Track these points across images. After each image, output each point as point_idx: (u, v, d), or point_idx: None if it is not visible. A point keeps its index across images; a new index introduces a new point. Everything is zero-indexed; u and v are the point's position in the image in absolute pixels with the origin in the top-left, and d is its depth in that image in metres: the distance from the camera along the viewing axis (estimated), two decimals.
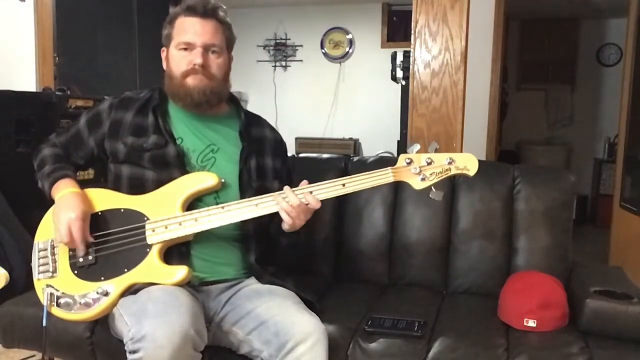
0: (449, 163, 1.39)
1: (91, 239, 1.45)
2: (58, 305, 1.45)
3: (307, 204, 1.40)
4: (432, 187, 1.41)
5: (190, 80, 1.50)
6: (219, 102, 1.59)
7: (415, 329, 1.51)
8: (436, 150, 1.41)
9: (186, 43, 1.50)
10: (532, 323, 1.54)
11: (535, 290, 1.59)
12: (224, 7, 1.57)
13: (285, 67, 6.11)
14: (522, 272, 1.79)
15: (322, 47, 6.00)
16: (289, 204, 1.40)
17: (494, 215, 1.88)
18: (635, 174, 3.42)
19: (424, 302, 1.76)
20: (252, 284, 1.54)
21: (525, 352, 1.43)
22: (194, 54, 1.49)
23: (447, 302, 1.79)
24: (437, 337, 1.51)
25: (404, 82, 4.00)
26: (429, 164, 1.40)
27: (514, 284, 1.67)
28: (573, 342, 1.47)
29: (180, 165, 1.50)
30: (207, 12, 1.52)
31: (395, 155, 4.59)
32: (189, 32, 1.50)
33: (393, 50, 4.67)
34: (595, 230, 5.16)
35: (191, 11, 1.51)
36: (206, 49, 1.50)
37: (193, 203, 1.48)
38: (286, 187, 1.43)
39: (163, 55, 1.60)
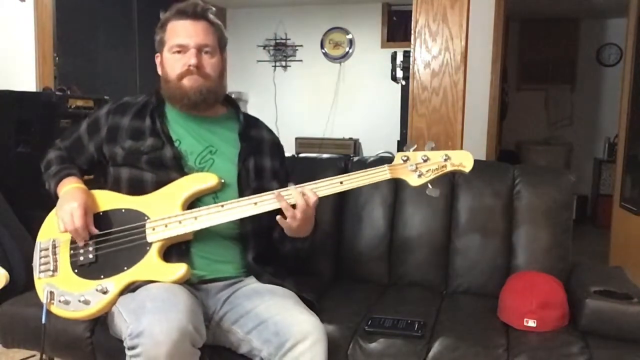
0: (445, 160, 1.42)
1: (94, 229, 1.46)
2: (57, 303, 1.45)
3: (305, 201, 1.40)
4: (429, 184, 1.42)
5: (186, 82, 1.52)
6: (216, 102, 1.60)
7: (415, 329, 1.52)
8: (432, 149, 1.43)
9: (179, 45, 1.51)
10: (532, 323, 1.54)
11: (535, 290, 1.59)
12: (213, 8, 1.58)
13: (285, 67, 6.11)
14: (522, 272, 1.79)
15: (322, 47, 6.00)
16: (289, 202, 1.40)
17: (494, 215, 1.88)
18: (635, 174, 3.42)
19: (424, 302, 1.76)
20: (252, 283, 1.54)
21: (525, 352, 1.43)
22: (187, 55, 1.51)
23: (447, 302, 1.79)
24: (437, 337, 1.51)
25: (404, 82, 4.00)
26: (425, 161, 1.42)
27: (514, 284, 1.67)
28: (573, 342, 1.47)
29: (178, 167, 1.52)
30: (197, 14, 1.53)
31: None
32: (180, 34, 1.52)
33: (393, 50, 4.67)
34: (595, 230, 5.16)
35: (182, 14, 1.53)
36: (199, 49, 1.52)
37: (192, 203, 1.49)
38: (290, 185, 1.44)
39: (157, 60, 1.61)
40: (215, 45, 1.56)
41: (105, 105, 1.66)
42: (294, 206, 1.41)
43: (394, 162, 1.43)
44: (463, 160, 1.42)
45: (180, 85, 1.52)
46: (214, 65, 1.55)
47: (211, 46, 1.54)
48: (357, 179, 1.43)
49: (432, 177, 1.41)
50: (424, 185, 1.42)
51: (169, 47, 1.53)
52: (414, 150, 1.43)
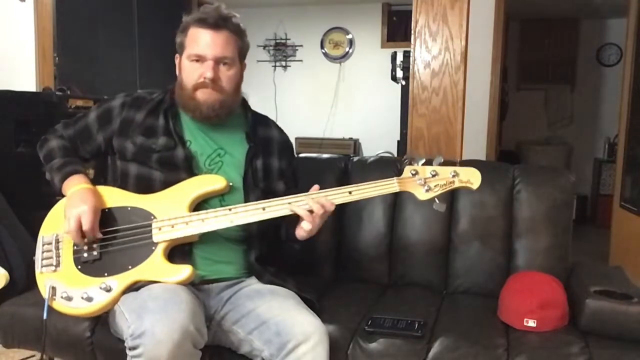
0: (453, 176, 1.45)
1: (99, 235, 1.46)
2: (59, 299, 1.45)
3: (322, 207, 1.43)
4: (436, 199, 1.46)
5: (200, 94, 1.50)
6: (229, 114, 1.57)
7: (415, 329, 1.52)
8: (441, 164, 1.46)
9: (197, 55, 1.49)
10: (532, 323, 1.54)
11: (535, 290, 1.59)
12: (237, 15, 1.55)
13: (285, 67, 6.11)
14: (522, 272, 1.79)
15: (322, 47, 6.00)
16: (312, 210, 1.42)
17: (494, 216, 1.88)
18: (635, 174, 3.42)
19: (424, 302, 1.76)
20: (253, 284, 1.54)
21: (525, 352, 1.43)
22: (205, 66, 1.48)
23: (447, 302, 1.79)
24: (437, 337, 1.51)
25: (404, 82, 4.00)
26: (433, 176, 1.45)
27: (514, 284, 1.67)
28: (573, 342, 1.47)
29: (188, 168, 1.51)
30: (218, 24, 1.49)
31: (395, 155, 4.60)
32: (200, 44, 1.49)
33: (393, 50, 4.67)
34: (595, 230, 5.16)
35: (202, 22, 1.49)
36: (217, 61, 1.49)
37: (198, 204, 1.49)
38: (308, 194, 1.45)
39: (177, 61, 1.58)
40: (235, 56, 1.52)
41: (118, 97, 1.62)
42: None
43: (403, 176, 1.47)
44: (471, 177, 1.46)
45: (194, 96, 1.50)
46: (231, 77, 1.52)
47: (230, 58, 1.50)
48: (366, 190, 1.46)
49: (440, 192, 1.45)
50: (431, 200, 1.46)
51: (188, 55, 1.50)
52: (423, 164, 1.46)
